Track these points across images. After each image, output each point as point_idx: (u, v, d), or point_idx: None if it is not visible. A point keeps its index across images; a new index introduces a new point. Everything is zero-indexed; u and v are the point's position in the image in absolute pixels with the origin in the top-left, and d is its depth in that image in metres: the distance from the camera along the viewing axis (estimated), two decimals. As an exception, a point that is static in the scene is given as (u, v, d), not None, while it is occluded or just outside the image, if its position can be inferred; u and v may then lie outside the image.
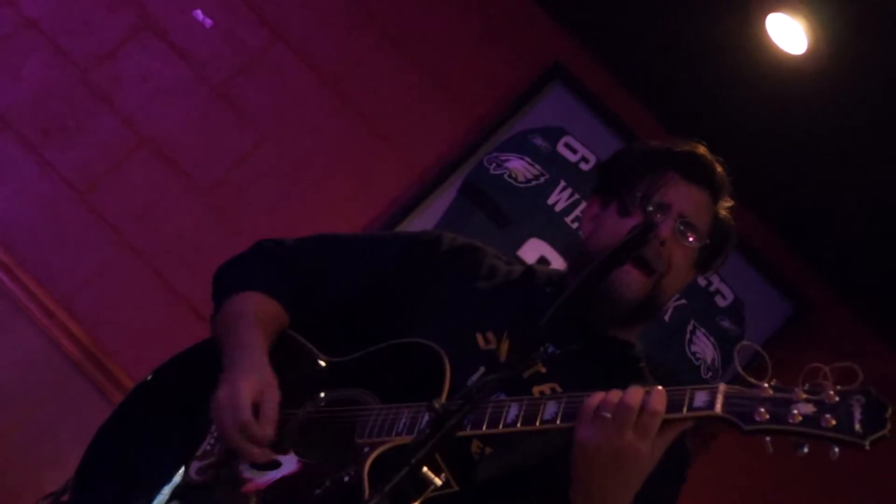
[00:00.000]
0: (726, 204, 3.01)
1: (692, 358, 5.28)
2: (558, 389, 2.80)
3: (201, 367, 3.02)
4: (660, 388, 2.40)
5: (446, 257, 3.05)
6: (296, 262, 3.06)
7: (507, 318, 2.91)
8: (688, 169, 2.94)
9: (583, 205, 5.34)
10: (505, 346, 2.87)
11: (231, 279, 3.07)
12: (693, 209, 2.92)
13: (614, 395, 2.41)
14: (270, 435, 2.70)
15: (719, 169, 2.99)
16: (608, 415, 2.38)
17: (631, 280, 2.83)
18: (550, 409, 2.47)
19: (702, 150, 3.00)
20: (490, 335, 2.89)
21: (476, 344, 2.87)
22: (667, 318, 5.31)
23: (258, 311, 2.95)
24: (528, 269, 3.10)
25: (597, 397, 2.42)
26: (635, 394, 2.40)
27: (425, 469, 2.42)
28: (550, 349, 2.80)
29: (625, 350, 2.98)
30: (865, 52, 4.45)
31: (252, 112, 5.43)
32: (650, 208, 2.88)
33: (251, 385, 2.72)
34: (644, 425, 2.38)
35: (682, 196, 2.91)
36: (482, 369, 2.82)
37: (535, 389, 2.79)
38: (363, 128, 5.47)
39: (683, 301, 5.34)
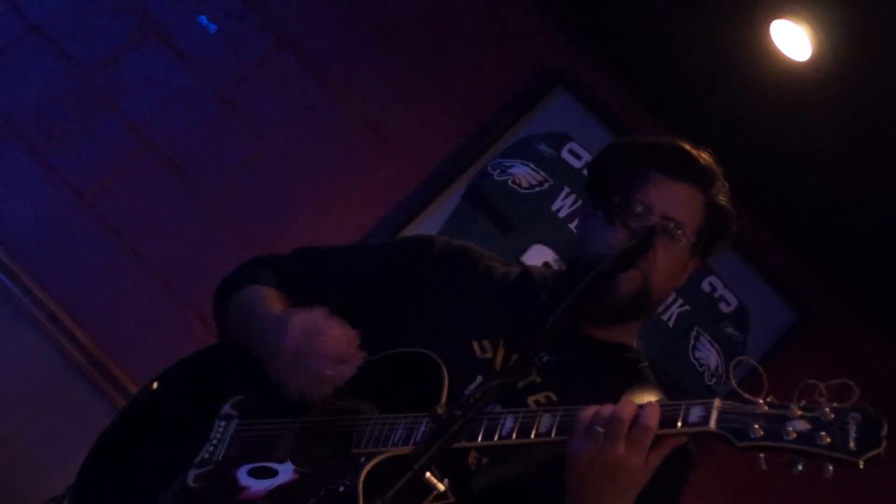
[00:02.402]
0: (720, 190, 2.95)
1: (696, 364, 5.27)
2: (553, 398, 2.79)
3: (202, 374, 3.04)
4: (654, 402, 2.40)
5: (439, 261, 3.03)
6: (291, 273, 3.06)
7: (502, 325, 2.89)
8: (669, 167, 2.89)
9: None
10: (501, 355, 2.85)
11: (236, 280, 3.07)
12: (677, 207, 2.87)
13: (607, 409, 2.40)
14: (353, 331, 2.74)
15: (704, 158, 2.93)
16: (600, 429, 2.38)
17: (621, 280, 2.79)
18: (546, 422, 2.47)
19: (683, 143, 2.95)
20: (486, 343, 2.88)
21: (472, 352, 2.87)
22: (671, 324, 5.30)
23: (275, 296, 2.97)
24: (524, 272, 3.07)
25: (589, 411, 2.41)
26: (627, 407, 2.39)
27: (427, 475, 2.42)
28: (545, 359, 2.79)
29: (621, 353, 2.95)
30: (870, 59, 4.44)
31: (256, 117, 5.43)
32: (636, 211, 2.84)
33: (299, 320, 2.75)
34: (637, 440, 2.37)
35: (665, 196, 2.86)
36: (479, 378, 2.81)
37: (530, 399, 2.78)
38: (367, 133, 5.47)
39: (687, 307, 5.33)
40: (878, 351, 5.30)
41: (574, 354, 2.84)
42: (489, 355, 2.86)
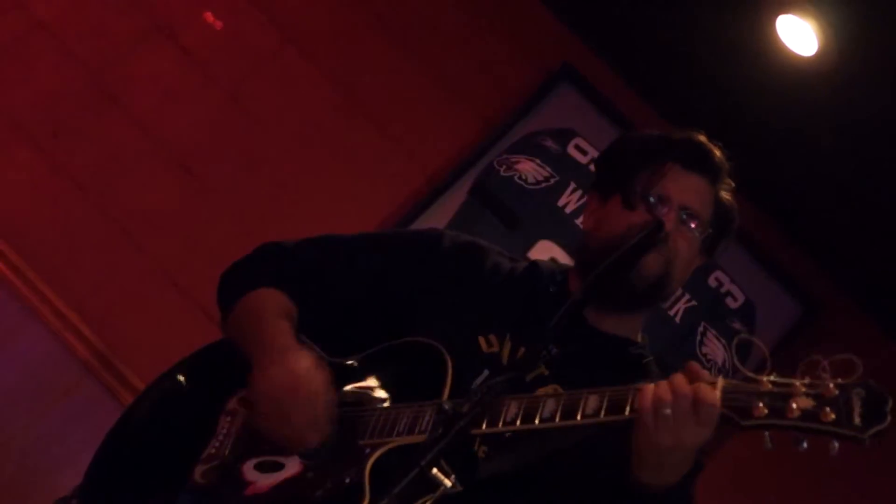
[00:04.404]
0: (726, 186, 2.99)
1: (703, 360, 5.26)
2: (560, 392, 2.75)
3: (208, 370, 3.02)
4: (709, 389, 2.35)
5: (448, 256, 3.03)
6: (298, 263, 3.04)
7: (509, 319, 2.89)
8: (686, 158, 2.93)
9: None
10: (507, 349, 2.86)
11: (240, 280, 3.04)
12: (694, 198, 2.91)
13: (665, 391, 2.37)
14: (334, 408, 2.67)
15: (717, 154, 2.97)
16: (668, 410, 2.36)
17: (647, 260, 2.81)
18: (549, 407, 2.47)
19: (699, 136, 2.99)
20: (492, 338, 2.87)
21: (478, 347, 2.86)
22: (677, 319, 5.30)
23: (278, 305, 2.94)
24: (531, 266, 3.07)
25: (648, 396, 2.38)
26: (684, 384, 2.37)
27: (434, 471, 2.42)
28: (553, 350, 2.79)
29: (626, 347, 2.96)
30: (875, 54, 4.44)
31: (262, 114, 5.44)
32: (651, 201, 2.87)
33: (306, 363, 2.70)
34: (706, 416, 2.33)
35: (683, 186, 2.90)
36: (486, 372, 2.81)
37: (538, 392, 2.76)
38: (373, 130, 5.47)
39: (694, 303, 5.33)
40: (885, 344, 5.30)
41: (581, 347, 2.84)
42: (495, 349, 2.86)
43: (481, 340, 2.88)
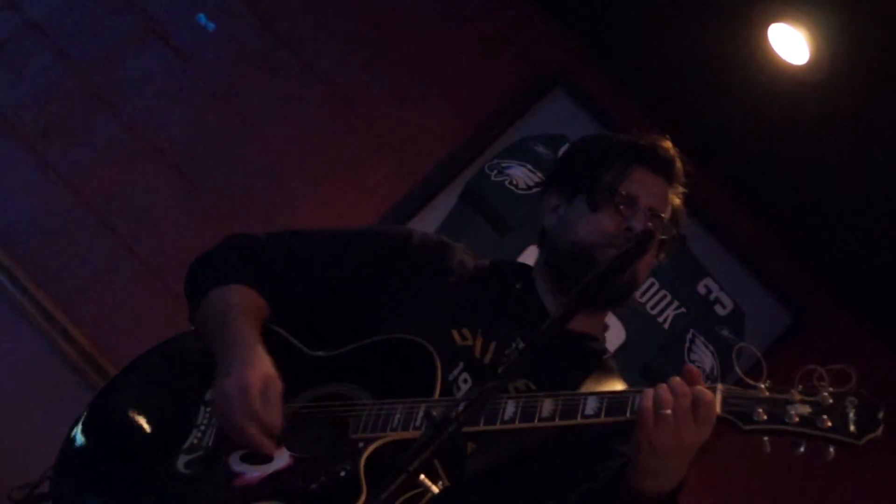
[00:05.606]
0: (679, 192, 3.09)
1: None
2: (532, 386, 2.84)
3: (183, 359, 3.02)
4: (707, 390, 2.44)
5: (416, 253, 3.07)
6: (268, 256, 3.05)
7: (480, 314, 2.97)
8: (653, 161, 3.04)
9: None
10: (479, 343, 2.91)
11: (209, 274, 3.03)
12: (658, 201, 3.02)
13: (665, 392, 2.45)
14: (279, 424, 2.69)
15: (678, 160, 3.08)
16: (668, 411, 2.42)
17: (639, 267, 2.94)
18: (548, 406, 2.52)
19: (665, 141, 3.09)
20: (465, 331, 2.93)
21: (453, 340, 2.92)
22: (666, 326, 5.31)
23: (245, 304, 2.94)
24: (495, 263, 3.15)
25: (648, 397, 2.45)
26: (683, 385, 2.45)
27: (422, 477, 2.42)
28: (520, 345, 2.86)
29: (587, 343, 3.05)
30: (867, 62, 4.45)
31: (254, 116, 5.44)
32: (618, 201, 2.96)
33: (258, 376, 2.70)
34: (705, 416, 2.41)
35: (648, 188, 3.01)
36: (461, 365, 2.87)
37: (510, 386, 2.79)
38: (365, 133, 5.47)
39: (683, 310, 5.33)
40: (873, 352, 5.31)
41: (547, 343, 2.87)
42: (469, 342, 2.92)
43: (455, 334, 2.93)
